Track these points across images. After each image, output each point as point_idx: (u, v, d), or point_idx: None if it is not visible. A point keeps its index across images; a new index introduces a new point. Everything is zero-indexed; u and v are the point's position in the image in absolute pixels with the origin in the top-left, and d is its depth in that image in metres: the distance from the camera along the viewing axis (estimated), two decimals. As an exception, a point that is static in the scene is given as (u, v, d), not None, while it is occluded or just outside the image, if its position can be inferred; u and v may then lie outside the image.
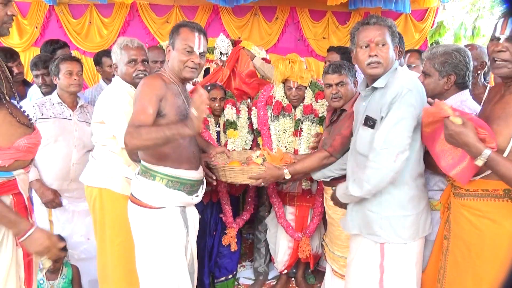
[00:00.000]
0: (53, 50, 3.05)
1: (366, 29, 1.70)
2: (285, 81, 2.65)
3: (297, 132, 2.63)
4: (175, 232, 1.87)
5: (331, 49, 3.26)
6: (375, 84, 1.71)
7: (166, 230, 1.85)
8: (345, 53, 2.95)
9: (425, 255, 1.86)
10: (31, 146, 1.56)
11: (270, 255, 3.00)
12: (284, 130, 2.65)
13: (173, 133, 1.59)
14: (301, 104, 2.65)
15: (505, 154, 1.41)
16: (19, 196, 1.57)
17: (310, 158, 2.20)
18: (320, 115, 2.60)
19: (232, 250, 2.82)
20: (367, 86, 1.80)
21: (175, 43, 1.84)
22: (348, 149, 2.04)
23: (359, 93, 2.23)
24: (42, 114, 2.41)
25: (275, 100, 2.67)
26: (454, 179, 1.56)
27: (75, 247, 2.55)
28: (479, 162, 1.36)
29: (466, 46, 2.28)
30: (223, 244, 2.80)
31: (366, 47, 1.69)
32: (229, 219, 2.76)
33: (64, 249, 2.38)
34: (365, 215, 1.76)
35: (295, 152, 2.59)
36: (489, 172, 1.47)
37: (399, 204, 1.70)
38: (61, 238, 2.39)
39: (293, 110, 2.68)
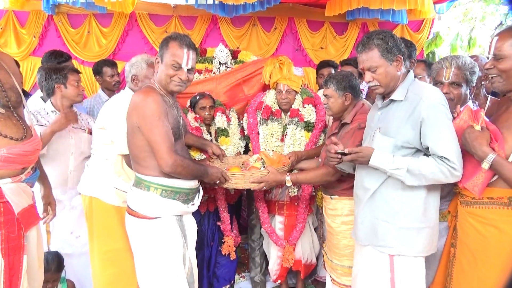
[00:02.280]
0: (58, 64, 3.05)
1: (358, 56, 1.77)
2: (276, 86, 2.68)
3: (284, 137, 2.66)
4: (172, 241, 1.87)
5: (344, 64, 3.30)
6: (394, 97, 1.73)
7: (163, 240, 1.84)
8: (357, 63, 2.96)
9: (434, 265, 1.84)
10: (13, 157, 1.56)
11: (267, 264, 2.97)
12: (271, 134, 2.67)
13: (201, 175, 1.95)
14: None
15: (510, 159, 1.48)
16: (7, 205, 1.57)
17: (315, 172, 2.21)
18: (305, 119, 2.61)
19: (232, 259, 2.80)
20: (383, 97, 1.83)
21: (163, 57, 1.85)
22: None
23: (363, 105, 2.25)
24: (38, 121, 2.42)
25: (264, 105, 2.69)
26: (468, 189, 1.60)
27: (56, 241, 2.52)
28: (485, 165, 1.48)
29: (471, 57, 2.33)
30: (223, 253, 2.77)
31: (364, 72, 1.75)
32: (227, 226, 2.76)
33: (61, 267, 2.37)
34: (378, 225, 1.75)
35: None
36: (494, 179, 1.54)
37: (415, 215, 1.69)
38: (59, 259, 2.37)
39: (282, 116, 2.71)
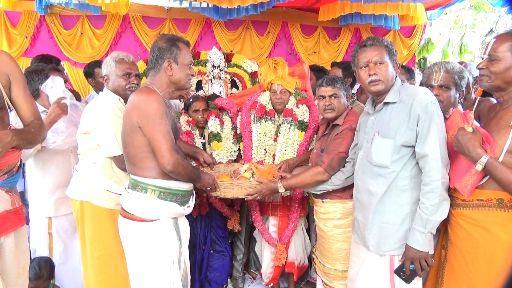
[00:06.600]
0: None
1: (364, 51, 1.81)
2: (270, 86, 2.70)
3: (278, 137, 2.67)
4: (169, 244, 1.86)
5: (334, 65, 3.32)
6: (388, 99, 1.78)
7: (160, 243, 1.83)
8: (347, 68, 3.00)
9: None
10: None
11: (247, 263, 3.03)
12: (265, 133, 2.68)
13: (196, 178, 1.97)
14: None
15: (500, 161, 1.51)
16: None
17: (305, 174, 2.21)
18: (299, 119, 2.62)
19: (236, 230, 2.82)
20: (373, 101, 1.87)
21: (178, 58, 1.88)
22: (342, 166, 2.12)
23: (351, 108, 2.28)
24: None
25: (259, 104, 2.71)
26: (458, 190, 1.63)
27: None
28: (479, 167, 1.50)
29: (460, 63, 2.41)
30: (229, 228, 2.81)
31: (365, 67, 1.79)
32: (228, 212, 2.79)
33: (52, 274, 2.33)
34: (388, 230, 1.75)
35: (273, 156, 2.64)
36: (483, 181, 1.56)
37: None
38: (51, 266, 2.33)
39: (276, 116, 2.72)
